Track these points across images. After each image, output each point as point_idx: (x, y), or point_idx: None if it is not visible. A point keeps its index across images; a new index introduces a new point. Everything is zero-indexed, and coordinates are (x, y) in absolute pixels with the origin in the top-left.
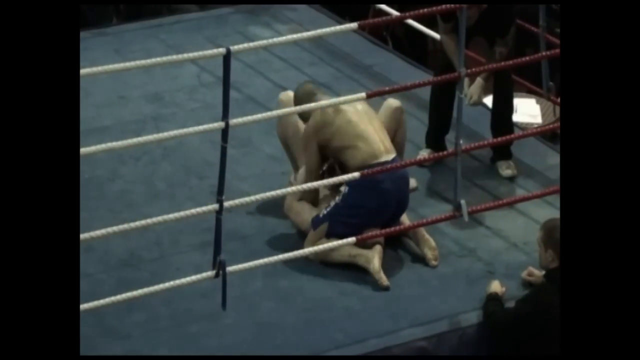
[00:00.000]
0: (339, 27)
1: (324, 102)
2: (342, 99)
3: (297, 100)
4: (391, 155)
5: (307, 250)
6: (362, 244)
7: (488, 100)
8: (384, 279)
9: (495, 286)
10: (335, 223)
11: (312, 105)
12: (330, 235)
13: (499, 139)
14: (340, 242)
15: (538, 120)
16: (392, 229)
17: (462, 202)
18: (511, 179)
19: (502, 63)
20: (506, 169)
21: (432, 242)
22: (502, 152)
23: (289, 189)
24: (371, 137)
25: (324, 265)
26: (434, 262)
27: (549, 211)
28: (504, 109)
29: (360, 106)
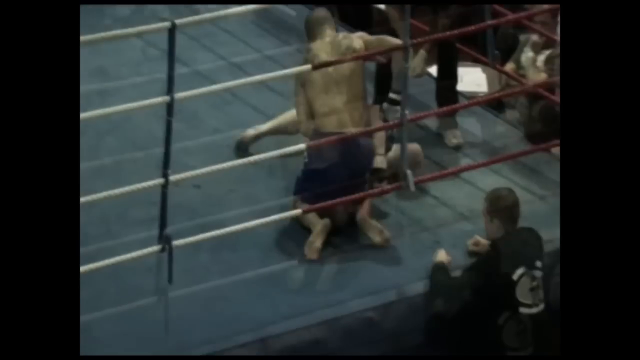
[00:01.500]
0: None
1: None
2: (286, 71)
3: (305, 26)
4: (349, 129)
5: (253, 223)
6: (321, 212)
7: (433, 71)
8: (309, 253)
9: (442, 255)
10: (301, 187)
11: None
12: (300, 196)
13: (444, 108)
14: (288, 214)
15: (483, 89)
16: (337, 200)
17: (408, 172)
18: (457, 148)
19: (447, 33)
20: (452, 139)
21: (379, 225)
22: (448, 121)
23: (241, 160)
24: (332, 109)
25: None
26: (385, 245)
27: (495, 179)
28: (448, 79)
29: (340, 69)
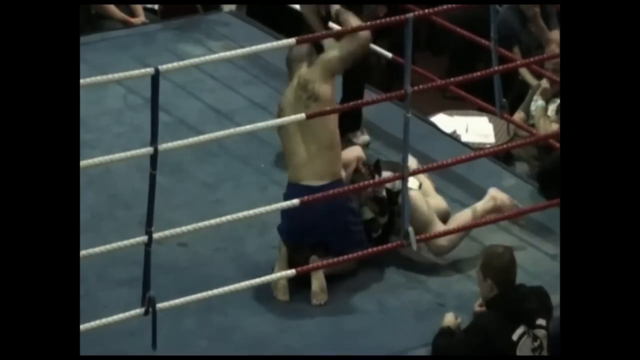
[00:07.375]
0: (275, 44)
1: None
2: (279, 120)
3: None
4: (319, 182)
5: (243, 284)
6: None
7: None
8: (278, 295)
9: (449, 319)
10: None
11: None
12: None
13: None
14: (279, 275)
15: (491, 139)
16: (335, 260)
17: (410, 229)
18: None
19: (451, 80)
20: (361, 136)
21: (323, 283)
22: (352, 123)
23: (230, 216)
24: (299, 159)
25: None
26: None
27: (502, 237)
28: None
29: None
